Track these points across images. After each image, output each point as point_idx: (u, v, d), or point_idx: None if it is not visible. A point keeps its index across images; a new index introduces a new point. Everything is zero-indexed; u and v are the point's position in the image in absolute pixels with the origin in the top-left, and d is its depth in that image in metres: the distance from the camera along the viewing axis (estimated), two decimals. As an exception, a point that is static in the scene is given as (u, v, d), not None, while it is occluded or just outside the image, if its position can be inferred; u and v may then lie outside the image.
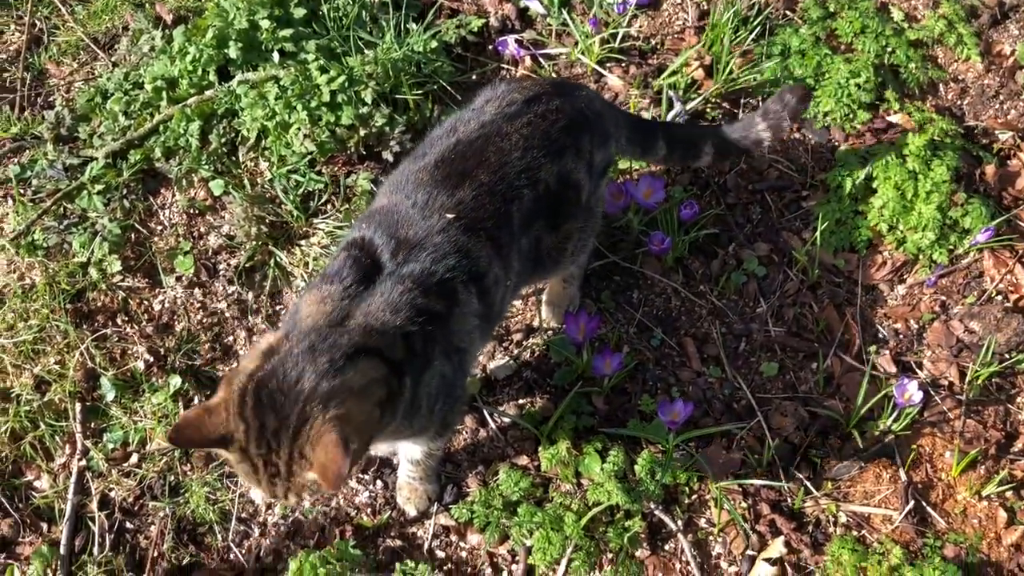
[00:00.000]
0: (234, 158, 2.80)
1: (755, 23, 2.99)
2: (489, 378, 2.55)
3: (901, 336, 2.62)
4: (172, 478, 2.41)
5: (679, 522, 2.35)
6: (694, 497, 2.39)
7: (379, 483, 2.41)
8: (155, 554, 2.33)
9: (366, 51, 2.85)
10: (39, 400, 2.45)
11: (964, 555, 2.29)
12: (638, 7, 3.10)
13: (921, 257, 2.69)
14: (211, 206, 2.76)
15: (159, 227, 2.73)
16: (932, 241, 2.66)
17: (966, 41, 3.01)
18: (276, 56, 2.81)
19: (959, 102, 3.01)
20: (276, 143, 2.72)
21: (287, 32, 2.81)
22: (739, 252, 2.72)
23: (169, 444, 1.56)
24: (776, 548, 2.31)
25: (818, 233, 2.66)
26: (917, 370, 2.56)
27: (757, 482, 2.37)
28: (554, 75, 3.00)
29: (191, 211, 2.75)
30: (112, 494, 2.40)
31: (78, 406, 2.46)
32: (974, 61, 3.02)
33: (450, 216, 1.93)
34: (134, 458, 2.44)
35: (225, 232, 2.72)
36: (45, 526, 2.37)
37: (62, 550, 2.30)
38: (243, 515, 2.38)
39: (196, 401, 2.50)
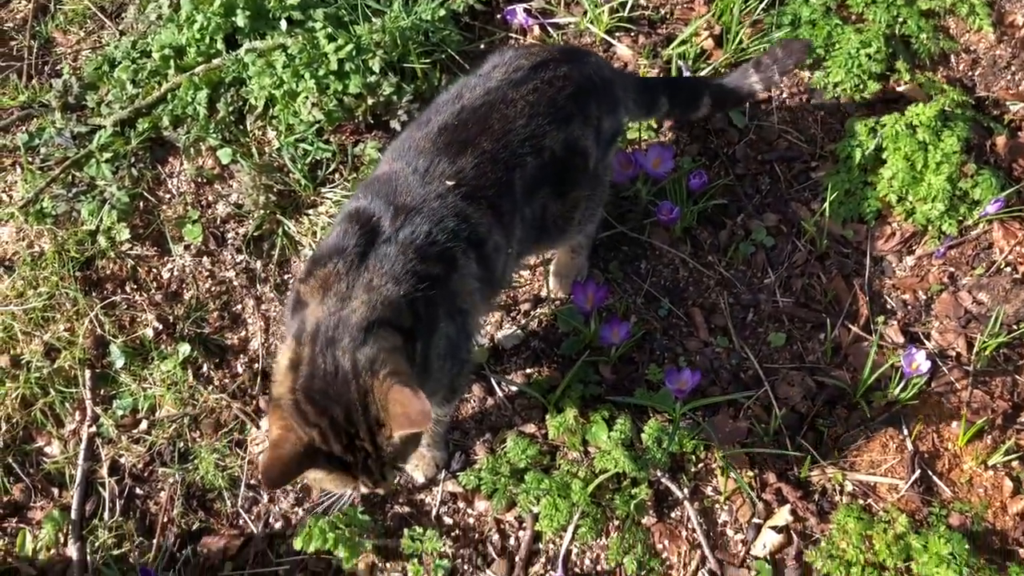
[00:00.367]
0: (242, 127, 2.80)
1: (765, -8, 2.97)
2: (497, 347, 2.56)
3: (909, 307, 2.62)
4: (181, 445, 2.43)
5: (685, 490, 2.36)
6: (700, 466, 2.40)
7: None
8: (165, 519, 2.35)
9: (374, 19, 2.84)
10: (49, 367, 2.47)
11: (969, 524, 2.29)
12: (647, -24, 3.08)
13: (930, 228, 2.69)
14: (219, 175, 2.76)
15: (167, 195, 2.73)
16: (941, 212, 2.65)
17: (978, 11, 2.99)
18: (284, 24, 2.80)
19: (970, 73, 2.98)
20: (284, 112, 2.72)
21: (295, 0, 2.79)
22: (748, 222, 2.72)
23: (268, 488, 1.58)
24: (782, 516, 2.32)
25: (827, 204, 2.65)
26: (925, 341, 2.56)
27: (764, 450, 2.38)
28: (562, 44, 2.98)
29: (199, 180, 2.75)
30: (122, 460, 2.42)
31: (88, 373, 2.47)
32: (986, 31, 3.00)
33: (450, 183, 1.93)
34: (143, 425, 2.45)
35: (233, 201, 2.72)
36: (56, 491, 2.39)
37: (73, 515, 2.32)
38: (252, 481, 2.40)
39: (205, 369, 2.51)
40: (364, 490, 1.72)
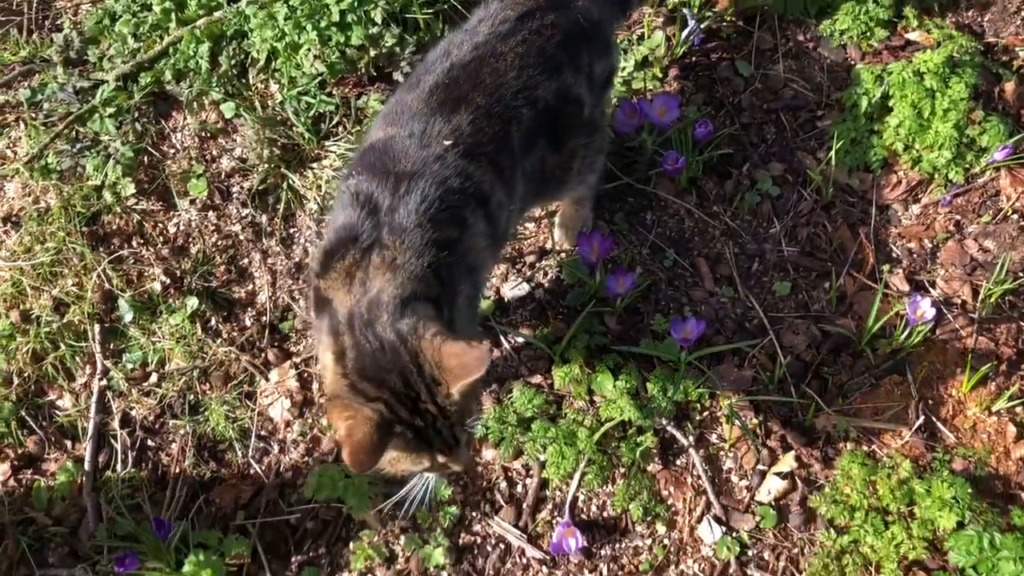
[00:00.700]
0: (244, 80, 2.79)
1: (772, -62, 2.92)
2: (503, 300, 2.57)
3: (915, 255, 2.62)
4: (191, 397, 2.45)
5: (690, 438, 2.38)
6: (705, 414, 2.42)
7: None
8: (177, 470, 2.38)
9: (375, -30, 2.81)
10: (58, 321, 2.49)
11: (972, 469, 2.31)
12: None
13: (936, 176, 2.67)
14: (223, 129, 2.75)
15: (171, 150, 2.73)
16: (948, 160, 2.63)
17: (988, -44, 2.94)
18: (285, -25, 2.78)
19: (979, 19, 2.95)
20: (286, 64, 2.70)
21: (295, -49, 2.77)
22: (753, 172, 2.71)
23: (360, 471, 1.56)
24: (787, 462, 2.34)
25: (833, 152, 2.64)
26: (930, 289, 2.56)
27: (768, 398, 2.40)
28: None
29: (203, 134, 2.75)
30: (133, 413, 2.44)
31: (97, 327, 2.49)
32: (996, -24, 2.96)
33: (447, 143, 1.90)
34: (153, 378, 2.48)
35: (237, 155, 2.71)
36: (69, 443, 2.42)
37: (86, 466, 2.36)
38: (262, 432, 2.43)
39: (213, 322, 2.53)
40: (441, 459, 1.69)
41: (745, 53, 2.86)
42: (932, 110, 2.64)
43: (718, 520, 2.31)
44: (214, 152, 2.73)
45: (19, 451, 2.39)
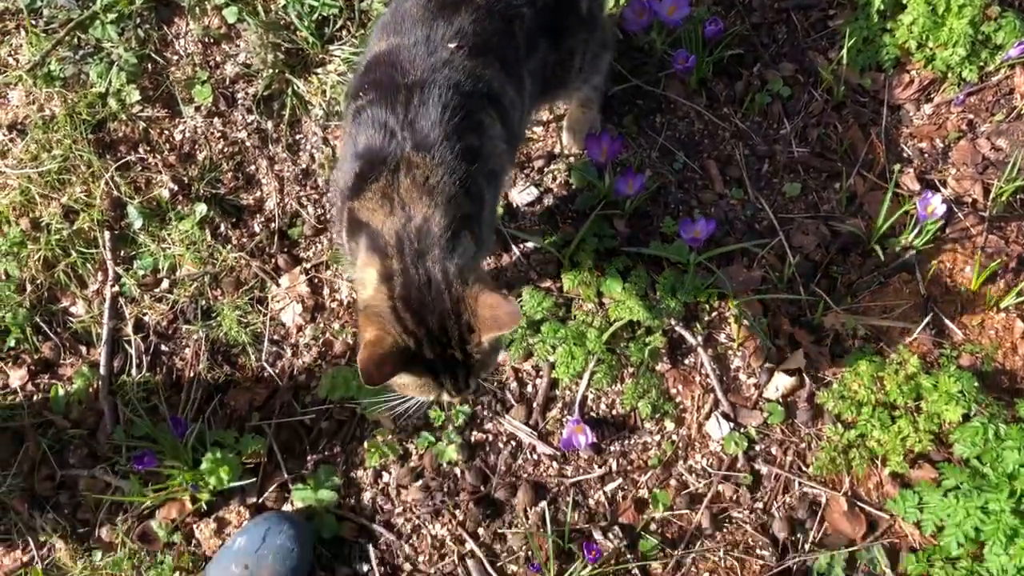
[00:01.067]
0: (246, -16, 2.74)
1: None
2: (512, 205, 2.56)
3: (926, 155, 2.60)
4: (203, 303, 2.47)
5: (699, 337, 2.39)
6: (714, 314, 2.43)
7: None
8: (191, 374, 2.41)
9: None
10: (68, 229, 2.49)
11: (979, 364, 2.33)
12: None
13: (950, 75, 2.64)
14: (226, 34, 2.71)
15: (175, 56, 2.70)
16: (962, 58, 2.59)
17: None
18: None
19: (997, -87, 2.87)
20: (288, -33, 2.65)
21: None
22: (764, 73, 2.67)
23: (367, 383, 1.59)
24: (795, 360, 2.36)
25: (844, 52, 2.60)
26: (941, 188, 2.55)
27: (777, 296, 2.41)
28: None
29: (206, 39, 2.71)
30: (146, 318, 2.46)
31: (107, 234, 2.49)
32: None
33: (452, 46, 1.87)
34: (165, 284, 2.49)
35: (241, 60, 2.68)
36: (84, 349, 2.45)
37: (102, 371, 2.39)
38: (275, 337, 2.45)
39: (222, 228, 2.53)
40: (446, 398, 1.74)
41: (756, -49, 2.80)
42: (947, 7, 2.59)
43: (726, 417, 2.34)
44: (218, 58, 2.70)
45: (35, 357, 2.42)
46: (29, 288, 2.45)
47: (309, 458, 2.32)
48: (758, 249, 2.47)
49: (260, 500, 2.29)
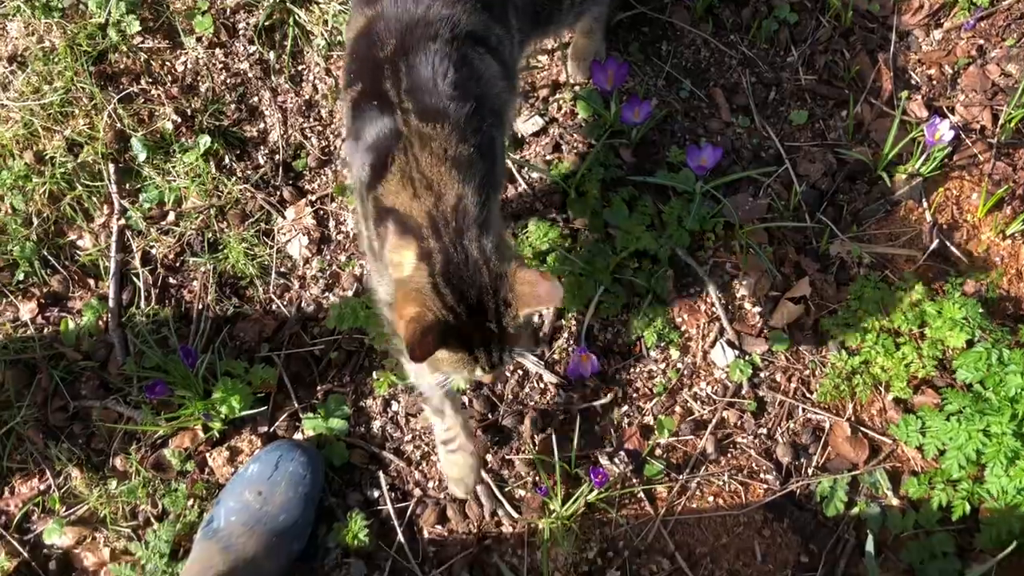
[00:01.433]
0: (245, -89, 2.69)
1: None
2: (517, 135, 2.55)
3: (934, 82, 2.58)
4: (210, 235, 2.47)
5: (705, 266, 2.40)
6: (720, 244, 2.44)
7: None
8: (199, 306, 2.42)
9: None
10: (73, 162, 2.48)
11: (984, 291, 2.34)
12: None
13: (960, 0, 2.60)
14: (225, -37, 2.67)
15: (174, -14, 2.66)
16: (973, -18, 2.56)
17: None
18: None
19: None
20: None
21: None
22: (771, -1, 2.64)
23: (413, 360, 1.57)
24: (801, 288, 2.37)
25: (854, -24, 2.57)
26: (949, 114, 2.53)
27: (784, 224, 2.41)
28: None
29: (205, -32, 2.67)
30: (153, 251, 2.47)
31: (111, 167, 2.49)
32: None
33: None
34: (171, 216, 2.49)
35: (241, -10, 2.65)
36: (92, 282, 2.46)
37: (111, 303, 2.40)
38: (282, 269, 2.46)
39: (227, 161, 2.52)
40: (479, 373, 1.73)
41: None
42: (959, -71, 2.55)
43: (731, 345, 2.35)
44: (217, -12, 2.66)
45: (44, 290, 2.43)
46: (36, 222, 2.45)
47: (319, 388, 2.35)
48: (764, 178, 2.47)
49: (271, 429, 2.32)
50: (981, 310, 2.24)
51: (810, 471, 2.26)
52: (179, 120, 2.52)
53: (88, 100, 2.52)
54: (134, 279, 2.44)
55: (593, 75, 2.38)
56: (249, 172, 2.52)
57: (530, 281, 1.63)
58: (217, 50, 2.61)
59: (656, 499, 2.25)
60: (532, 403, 2.33)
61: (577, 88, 2.57)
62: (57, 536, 2.22)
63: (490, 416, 2.32)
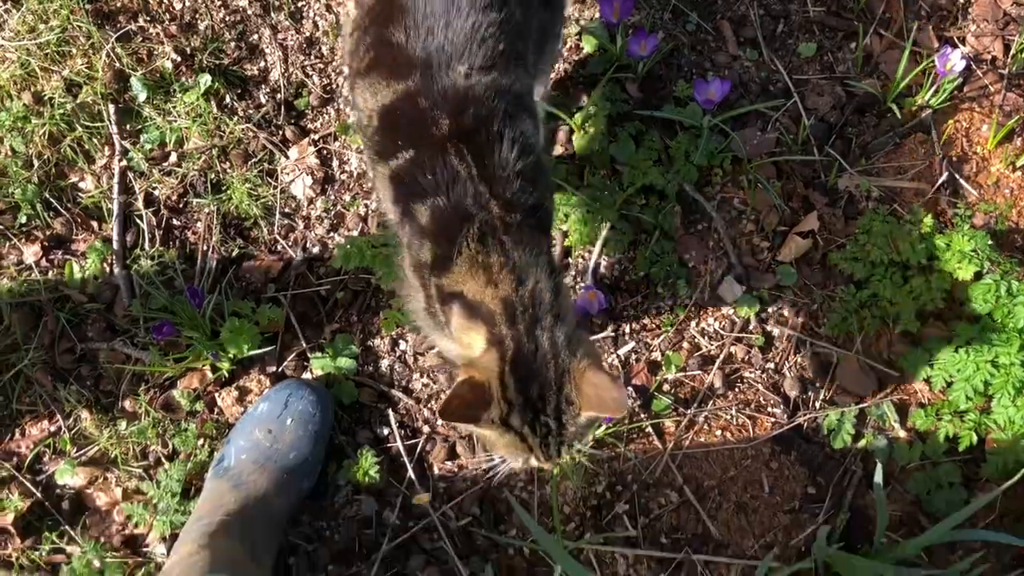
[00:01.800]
0: None
1: None
2: (520, 70, 2.51)
3: (945, 12, 2.53)
4: (213, 176, 2.45)
5: (713, 202, 2.39)
6: (727, 179, 2.42)
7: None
8: (204, 247, 2.41)
9: None
10: (72, 103, 2.45)
11: (993, 223, 2.33)
12: None
13: (973, -73, 2.55)
14: None
15: (169, -79, 2.60)
16: (986, -92, 2.50)
17: None
18: None
19: None
20: None
21: None
22: (779, -72, 2.58)
23: (440, 418, 1.53)
24: (809, 222, 2.36)
25: (864, -96, 2.51)
26: (960, 45, 2.49)
27: (792, 158, 2.39)
28: None
29: (200, -97, 2.61)
30: (156, 193, 2.45)
31: (111, 107, 2.45)
32: None
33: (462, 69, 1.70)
34: (173, 157, 2.47)
35: (238, -76, 2.59)
36: (96, 224, 2.44)
37: (115, 245, 2.39)
38: (286, 210, 2.44)
39: (228, 100, 2.49)
40: (534, 463, 1.67)
41: None
42: None
43: (739, 280, 2.35)
44: (214, -78, 2.61)
45: (47, 232, 2.42)
46: (36, 164, 2.43)
47: (326, 328, 2.35)
48: (772, 111, 2.44)
49: (279, 369, 2.32)
50: (990, 242, 2.23)
51: (817, 404, 2.27)
52: (178, 59, 2.49)
53: (85, 39, 2.48)
54: (137, 221, 2.43)
55: (599, 7, 2.34)
56: (251, 111, 2.49)
57: (599, 385, 1.57)
58: (215, -13, 2.56)
59: (664, 434, 2.26)
60: (540, 340, 2.32)
61: (582, 22, 2.53)
62: (69, 476, 2.24)
63: (498, 354, 2.32)
